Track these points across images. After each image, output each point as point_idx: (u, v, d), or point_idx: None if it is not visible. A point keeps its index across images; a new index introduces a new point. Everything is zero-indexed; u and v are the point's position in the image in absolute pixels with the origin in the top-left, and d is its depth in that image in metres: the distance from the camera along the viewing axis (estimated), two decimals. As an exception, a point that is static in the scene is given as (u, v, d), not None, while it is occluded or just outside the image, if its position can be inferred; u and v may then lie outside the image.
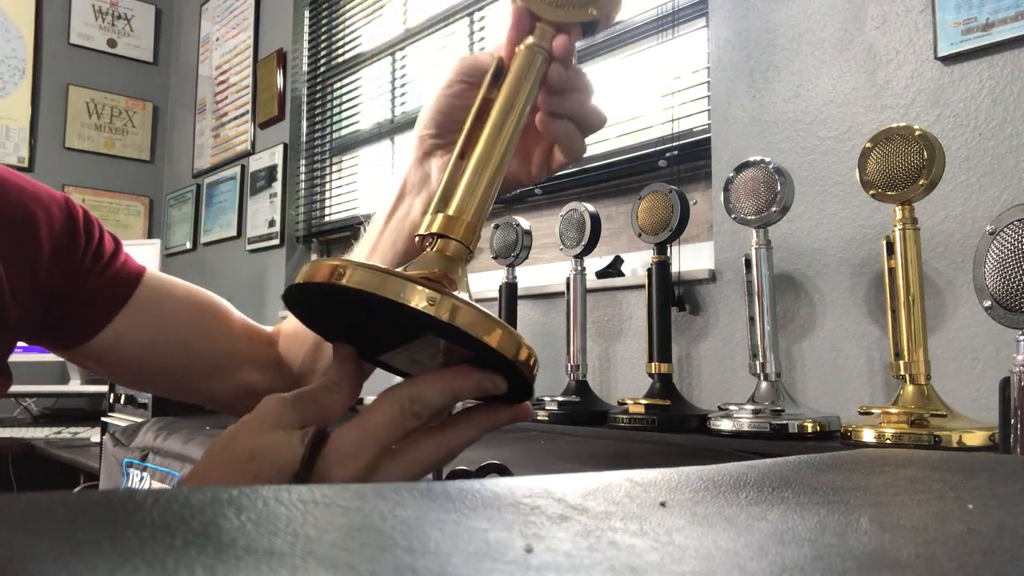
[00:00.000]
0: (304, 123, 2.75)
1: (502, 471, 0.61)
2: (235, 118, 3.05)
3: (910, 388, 0.92)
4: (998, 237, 0.73)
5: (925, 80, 1.15)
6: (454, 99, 0.53)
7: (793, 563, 0.19)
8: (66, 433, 2.29)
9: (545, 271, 1.80)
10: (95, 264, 0.65)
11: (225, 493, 0.21)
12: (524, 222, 1.52)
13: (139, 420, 1.46)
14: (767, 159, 1.12)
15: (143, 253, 2.48)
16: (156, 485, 1.22)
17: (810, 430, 1.02)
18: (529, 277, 1.74)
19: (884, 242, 0.97)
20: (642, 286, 1.38)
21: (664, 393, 1.22)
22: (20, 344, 0.64)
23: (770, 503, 0.27)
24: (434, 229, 0.41)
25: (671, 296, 1.29)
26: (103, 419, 1.73)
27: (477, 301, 0.36)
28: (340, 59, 2.62)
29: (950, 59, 1.12)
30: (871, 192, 0.96)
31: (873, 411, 0.93)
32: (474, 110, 0.47)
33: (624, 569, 0.18)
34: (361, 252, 0.59)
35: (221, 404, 0.73)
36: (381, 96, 2.43)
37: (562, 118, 0.50)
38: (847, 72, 1.24)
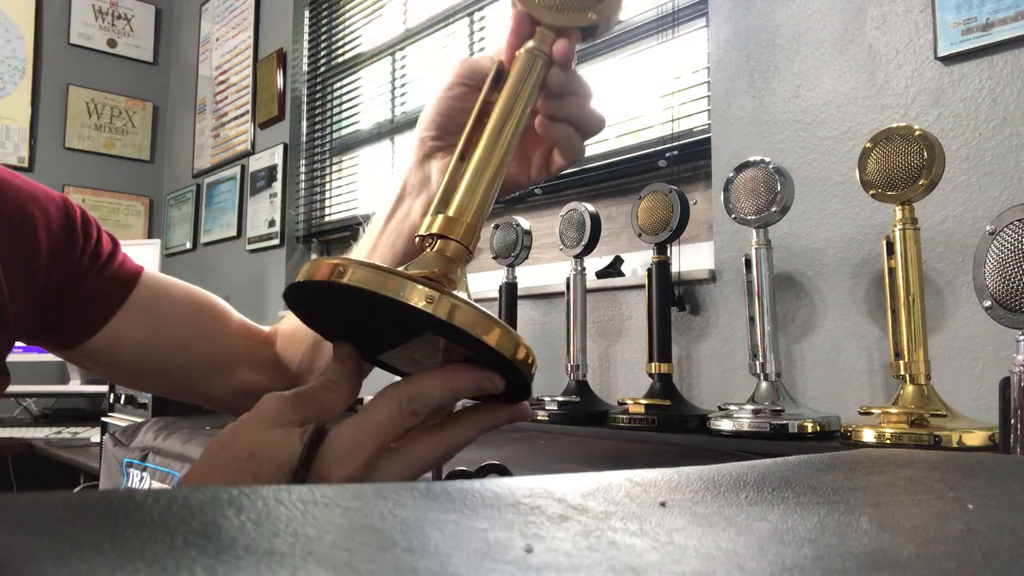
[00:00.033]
0: (304, 123, 2.75)
1: (502, 471, 0.61)
2: (235, 118, 3.05)
3: (910, 388, 0.92)
4: (998, 237, 0.73)
5: (925, 80, 1.15)
6: (455, 102, 0.53)
7: (793, 563, 0.19)
8: (66, 433, 2.29)
9: (545, 271, 1.80)
10: (93, 264, 0.65)
11: (225, 493, 0.21)
12: (524, 222, 1.52)
13: (139, 420, 1.46)
14: (767, 159, 1.12)
15: (143, 253, 2.48)
16: (156, 485, 1.22)
17: (810, 430, 1.02)
18: (529, 277, 1.74)
19: (884, 242, 0.97)
20: (642, 286, 1.38)
21: (664, 393, 1.22)
22: (19, 344, 0.64)
23: (770, 503, 0.27)
24: (434, 230, 0.42)
25: (671, 296, 1.29)
26: (103, 419, 1.73)
27: (477, 301, 0.36)
28: (340, 59, 2.62)
29: (950, 59, 1.12)
30: (871, 192, 0.96)
31: (873, 411, 0.93)
32: (474, 113, 0.48)
33: (624, 569, 0.18)
34: (360, 253, 0.60)
35: (219, 404, 0.73)
36: (381, 96, 2.43)
37: (561, 121, 0.50)
38: (847, 72, 1.24)
